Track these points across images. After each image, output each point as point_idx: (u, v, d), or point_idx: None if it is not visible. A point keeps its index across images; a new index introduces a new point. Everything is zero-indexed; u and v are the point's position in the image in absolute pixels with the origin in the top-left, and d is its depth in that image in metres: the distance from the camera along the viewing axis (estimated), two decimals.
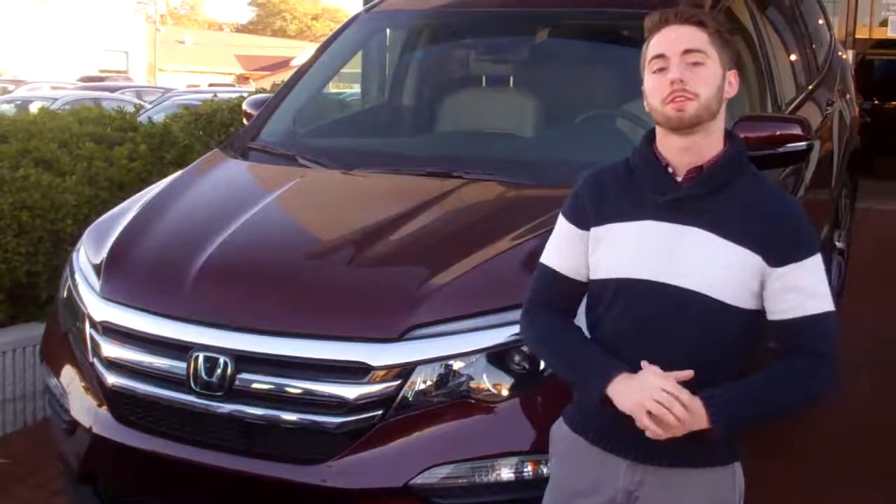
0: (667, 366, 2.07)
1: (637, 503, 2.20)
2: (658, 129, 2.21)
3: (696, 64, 2.11)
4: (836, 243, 6.47)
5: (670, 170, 2.18)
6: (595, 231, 2.24)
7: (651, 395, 2.03)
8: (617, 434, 2.16)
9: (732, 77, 2.19)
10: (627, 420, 2.07)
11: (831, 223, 6.06)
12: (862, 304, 6.88)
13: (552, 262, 2.34)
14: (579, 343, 2.25)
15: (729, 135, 2.22)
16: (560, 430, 2.35)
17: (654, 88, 2.15)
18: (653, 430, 2.04)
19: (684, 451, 2.13)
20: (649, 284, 2.14)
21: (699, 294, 2.10)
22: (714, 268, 2.11)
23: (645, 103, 2.22)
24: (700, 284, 2.10)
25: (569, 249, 2.31)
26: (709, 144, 2.16)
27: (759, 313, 2.16)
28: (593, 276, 2.26)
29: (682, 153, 2.16)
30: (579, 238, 2.28)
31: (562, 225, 2.33)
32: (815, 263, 2.15)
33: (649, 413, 2.03)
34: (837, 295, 6.64)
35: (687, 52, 2.11)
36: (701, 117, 2.11)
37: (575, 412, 2.30)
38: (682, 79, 2.09)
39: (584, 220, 2.27)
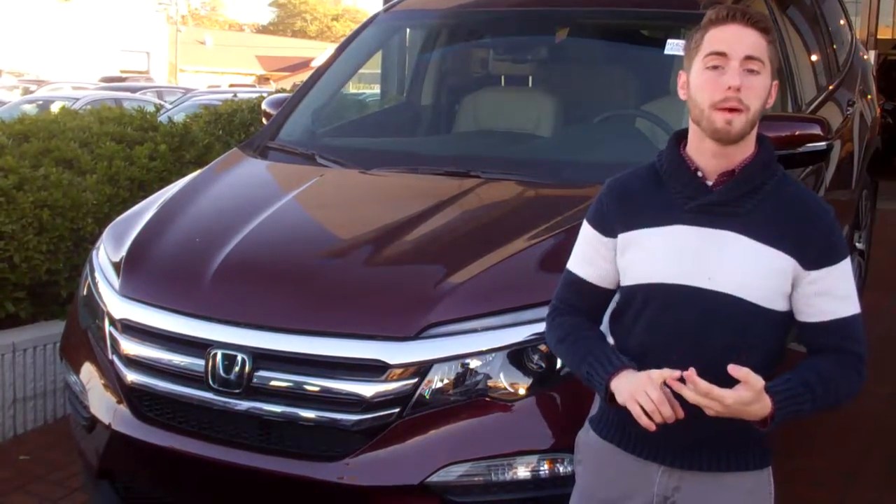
0: (699, 370, 2.04)
1: None
2: (692, 132, 2.17)
3: (752, 72, 2.06)
4: (856, 244, 6.43)
5: (700, 174, 2.16)
6: (623, 237, 2.22)
7: (646, 389, 2.02)
8: (652, 439, 2.13)
9: (774, 88, 2.16)
10: (663, 425, 2.05)
11: (851, 224, 6.03)
12: (883, 306, 6.85)
13: (577, 269, 2.33)
14: (593, 341, 2.25)
15: (759, 138, 2.19)
16: (587, 436, 2.34)
17: (705, 86, 2.09)
18: (644, 423, 2.02)
19: (721, 455, 2.14)
20: (683, 289, 2.12)
21: (734, 297, 2.09)
22: (749, 271, 2.09)
23: (681, 91, 2.19)
24: (734, 288, 2.09)
25: (594, 256, 2.30)
26: (742, 150, 2.14)
27: (789, 314, 2.16)
28: (622, 283, 2.26)
29: (714, 159, 2.14)
30: (604, 245, 2.27)
31: (586, 231, 2.32)
32: (847, 266, 2.15)
33: (643, 408, 2.02)
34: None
35: (749, 58, 2.06)
36: (746, 131, 2.09)
37: (603, 419, 2.29)
38: (741, 87, 2.05)
39: (609, 227, 2.25)
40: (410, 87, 5.49)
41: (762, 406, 1.99)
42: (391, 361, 2.78)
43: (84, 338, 3.43)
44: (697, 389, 1.93)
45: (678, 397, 2.02)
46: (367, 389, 2.79)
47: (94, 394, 3.27)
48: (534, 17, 4.78)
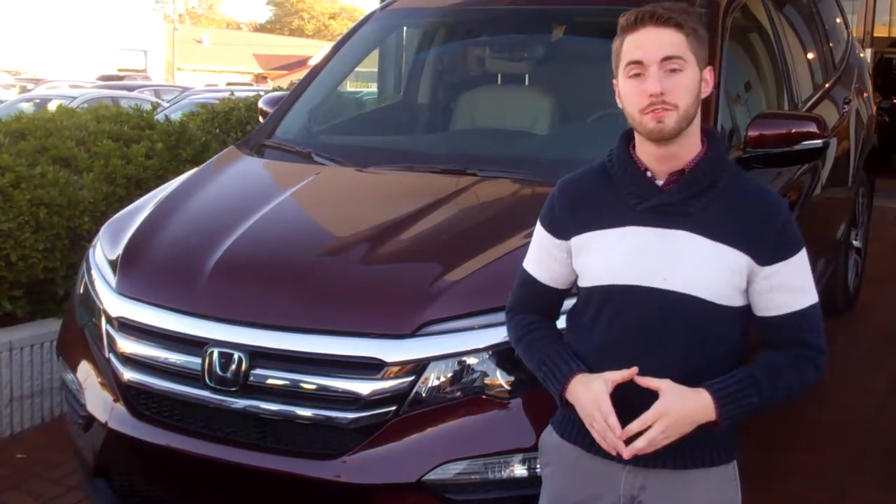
0: (658, 371, 2.06)
1: None
2: (637, 136, 2.17)
3: (673, 71, 2.04)
4: (853, 242, 6.44)
5: (649, 174, 2.14)
6: (576, 240, 2.21)
7: (590, 415, 2.08)
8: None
9: (708, 74, 2.13)
10: (626, 425, 2.05)
11: (848, 221, 6.04)
12: (879, 303, 6.86)
13: (531, 269, 2.34)
14: (547, 342, 2.26)
15: (708, 133, 2.18)
16: (551, 439, 2.33)
17: (631, 95, 2.09)
18: (606, 447, 2.09)
19: (687, 452, 2.12)
20: (638, 290, 2.11)
21: (690, 296, 2.08)
22: (703, 269, 2.08)
23: (617, 100, 2.18)
24: (690, 287, 2.08)
25: (546, 258, 2.30)
26: (688, 149, 2.12)
27: (747, 310, 2.15)
28: (580, 284, 2.25)
29: (661, 161, 2.13)
30: (556, 247, 2.26)
31: (539, 233, 2.32)
32: (802, 259, 2.13)
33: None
34: (854, 293, 6.62)
35: (666, 59, 2.04)
36: (681, 127, 2.07)
37: (565, 420, 2.27)
38: (662, 91, 2.03)
39: (562, 229, 2.24)
40: (407, 85, 5.48)
41: (699, 405, 2.02)
42: (388, 359, 2.78)
43: (81, 336, 3.44)
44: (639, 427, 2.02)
45: (640, 403, 2.04)
46: (363, 387, 2.79)
47: (91, 392, 3.27)
48: (530, 16, 4.78)
